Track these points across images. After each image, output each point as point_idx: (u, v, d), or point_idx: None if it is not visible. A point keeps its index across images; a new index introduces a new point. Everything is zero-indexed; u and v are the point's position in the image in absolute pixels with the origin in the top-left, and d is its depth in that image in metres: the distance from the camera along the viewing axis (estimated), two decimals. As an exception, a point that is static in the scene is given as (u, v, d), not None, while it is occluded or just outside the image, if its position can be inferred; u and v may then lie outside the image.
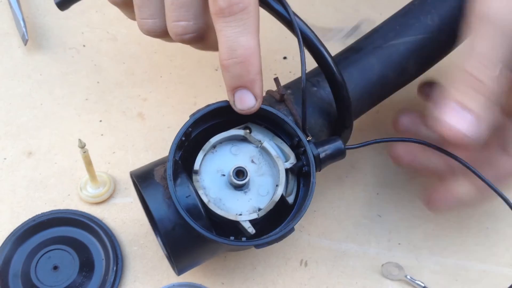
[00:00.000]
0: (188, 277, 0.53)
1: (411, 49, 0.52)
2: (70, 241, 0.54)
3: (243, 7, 0.41)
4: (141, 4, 0.47)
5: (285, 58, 0.68)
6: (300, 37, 0.45)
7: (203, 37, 0.47)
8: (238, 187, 0.46)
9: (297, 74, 0.66)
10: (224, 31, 0.41)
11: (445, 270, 0.56)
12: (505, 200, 0.46)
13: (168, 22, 0.46)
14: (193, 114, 0.46)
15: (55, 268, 0.52)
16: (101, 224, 0.55)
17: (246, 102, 0.44)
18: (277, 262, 0.55)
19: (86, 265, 0.53)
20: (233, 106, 0.45)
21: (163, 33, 0.48)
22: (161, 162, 0.48)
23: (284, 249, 0.56)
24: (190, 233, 0.44)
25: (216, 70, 0.67)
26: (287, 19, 0.45)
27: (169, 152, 0.44)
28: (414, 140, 0.49)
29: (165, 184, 0.45)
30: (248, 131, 0.47)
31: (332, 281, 0.55)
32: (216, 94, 0.64)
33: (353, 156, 0.61)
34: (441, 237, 0.58)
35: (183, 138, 0.45)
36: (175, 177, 0.44)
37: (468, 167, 0.46)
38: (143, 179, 0.46)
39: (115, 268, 0.53)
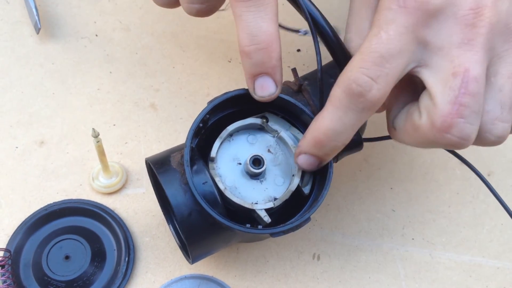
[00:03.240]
0: (200, 269, 0.53)
1: None
2: (82, 231, 0.53)
3: None
4: None
5: (298, 50, 0.68)
6: (312, 26, 0.44)
7: (214, 11, 0.46)
8: (254, 176, 0.45)
9: (311, 67, 0.66)
10: (244, 16, 0.40)
11: (459, 266, 0.56)
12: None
13: (182, 2, 0.45)
14: (211, 101, 0.45)
15: (67, 257, 0.52)
16: (113, 214, 0.55)
17: (268, 89, 0.43)
18: (289, 255, 0.55)
19: (98, 255, 0.53)
20: (252, 94, 0.44)
21: (174, 5, 0.47)
22: (177, 149, 0.48)
23: (296, 242, 0.56)
24: (206, 220, 0.44)
25: (229, 61, 0.66)
26: (302, 8, 0.45)
27: (187, 138, 0.44)
28: None
29: (182, 170, 0.44)
30: (265, 120, 0.46)
31: (345, 276, 0.54)
32: (229, 86, 0.64)
33: (366, 150, 0.61)
34: (455, 233, 0.57)
35: (201, 125, 0.45)
36: (191, 164, 0.44)
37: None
38: (159, 165, 0.46)
39: (127, 258, 0.52)
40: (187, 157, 0.43)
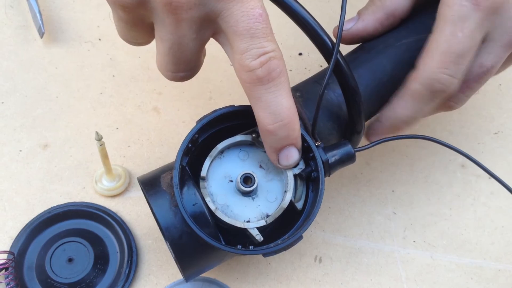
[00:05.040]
0: (202, 271, 0.54)
1: None
2: (85, 234, 0.54)
3: (280, 71, 0.40)
4: (128, 28, 0.43)
5: (300, 54, 0.68)
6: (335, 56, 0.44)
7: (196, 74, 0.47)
8: (246, 194, 0.45)
9: (312, 70, 0.66)
10: (265, 98, 0.40)
11: (460, 268, 0.56)
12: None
13: (163, 70, 0.44)
14: (200, 120, 0.45)
15: (70, 260, 0.53)
16: (116, 217, 0.55)
17: (292, 158, 0.43)
18: (291, 258, 0.55)
19: (101, 258, 0.53)
20: (276, 164, 0.44)
21: (144, 44, 0.46)
22: (168, 168, 0.48)
23: (298, 245, 0.55)
24: (197, 241, 0.44)
25: (231, 65, 0.66)
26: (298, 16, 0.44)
27: (176, 160, 0.44)
28: (421, 136, 0.49)
29: (172, 192, 0.44)
30: (255, 135, 0.46)
31: (347, 278, 0.55)
32: (230, 89, 0.65)
33: (368, 154, 0.61)
34: (457, 235, 0.57)
35: (190, 145, 0.45)
36: (181, 185, 0.44)
37: (472, 160, 0.49)
38: (150, 187, 0.46)
39: (129, 261, 0.53)
40: (176, 179, 0.43)
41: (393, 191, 0.60)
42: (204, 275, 0.53)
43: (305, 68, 0.67)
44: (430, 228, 0.58)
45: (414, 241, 0.57)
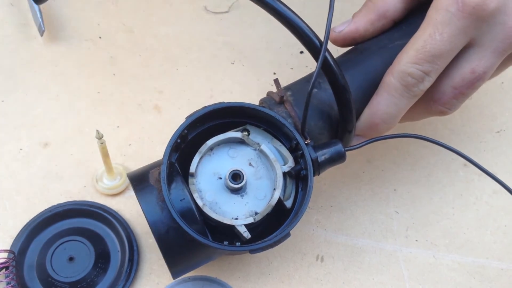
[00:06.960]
0: (203, 270, 0.53)
1: None
2: (86, 233, 0.54)
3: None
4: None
5: (301, 52, 0.68)
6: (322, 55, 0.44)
7: None
8: (235, 191, 0.45)
9: (314, 68, 0.66)
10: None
11: (463, 267, 0.55)
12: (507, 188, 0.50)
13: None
14: (189, 116, 0.45)
15: (71, 259, 0.52)
16: (117, 216, 0.55)
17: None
18: (293, 257, 0.55)
19: (102, 257, 0.53)
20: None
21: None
22: (157, 165, 0.48)
23: (300, 244, 0.56)
24: (184, 237, 0.44)
25: (232, 63, 0.66)
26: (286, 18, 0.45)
27: (164, 155, 0.43)
28: (412, 135, 0.49)
29: (160, 187, 0.44)
30: (246, 133, 0.46)
31: (349, 277, 0.54)
32: (232, 87, 0.64)
33: (369, 152, 0.61)
34: (459, 234, 0.57)
35: (179, 141, 0.44)
36: (169, 180, 0.44)
37: (470, 161, 0.51)
38: (138, 182, 0.46)
39: (130, 260, 0.53)
40: (163, 174, 0.43)
41: (395, 189, 0.59)
42: (205, 274, 0.53)
43: (306, 67, 0.67)
44: (433, 227, 0.57)
45: (416, 240, 0.57)
